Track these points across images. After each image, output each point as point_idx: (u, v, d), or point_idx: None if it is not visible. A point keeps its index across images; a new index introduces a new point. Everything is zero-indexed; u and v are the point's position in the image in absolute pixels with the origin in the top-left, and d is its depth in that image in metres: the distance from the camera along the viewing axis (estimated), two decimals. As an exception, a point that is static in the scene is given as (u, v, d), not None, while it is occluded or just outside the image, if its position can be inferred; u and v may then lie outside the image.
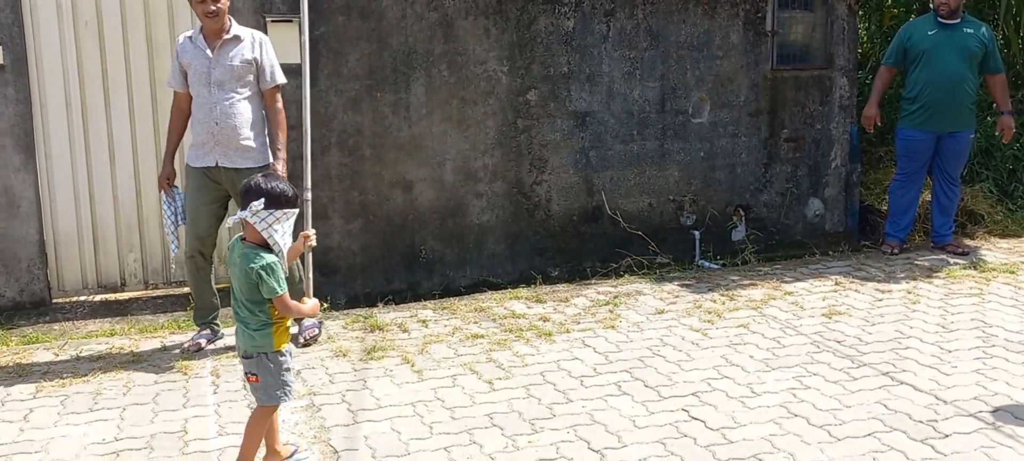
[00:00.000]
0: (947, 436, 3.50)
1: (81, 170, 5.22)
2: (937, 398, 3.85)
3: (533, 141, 5.82)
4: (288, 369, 3.17)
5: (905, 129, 6.21)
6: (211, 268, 4.60)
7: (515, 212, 5.85)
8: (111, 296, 5.39)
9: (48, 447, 3.50)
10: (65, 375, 4.20)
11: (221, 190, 4.46)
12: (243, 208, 3.05)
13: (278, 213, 3.04)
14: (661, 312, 5.06)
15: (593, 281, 5.79)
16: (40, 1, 5.01)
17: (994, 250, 6.30)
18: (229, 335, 4.67)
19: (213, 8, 4.23)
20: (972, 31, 6.06)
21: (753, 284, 5.60)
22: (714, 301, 5.25)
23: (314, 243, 3.44)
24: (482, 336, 4.68)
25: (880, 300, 5.23)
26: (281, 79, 4.49)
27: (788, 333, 4.69)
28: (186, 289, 5.20)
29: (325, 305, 5.18)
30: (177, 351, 4.50)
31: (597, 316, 4.99)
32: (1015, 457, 3.32)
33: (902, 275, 5.75)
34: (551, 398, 3.89)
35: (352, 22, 5.35)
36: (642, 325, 4.84)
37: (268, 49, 4.43)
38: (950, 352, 4.38)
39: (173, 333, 4.78)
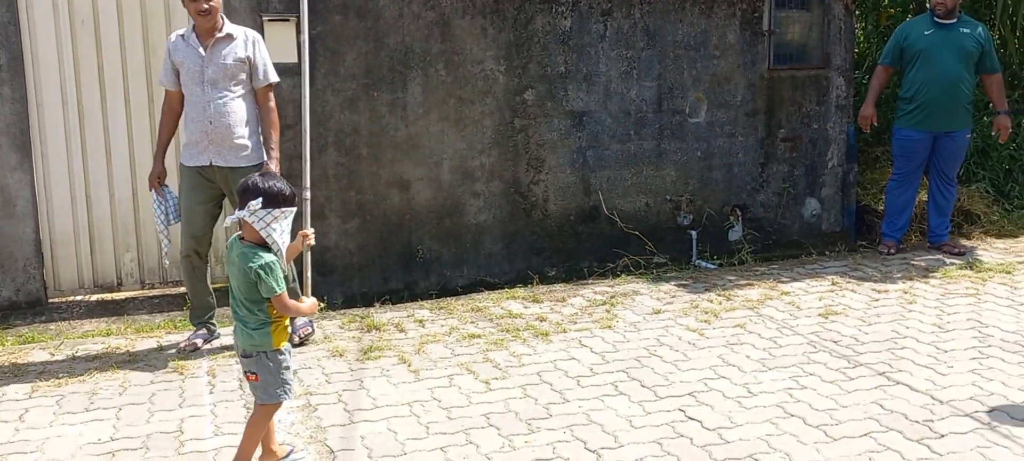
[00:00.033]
0: (943, 436, 3.50)
1: (77, 169, 5.21)
2: (933, 398, 3.85)
3: (530, 141, 5.82)
4: (287, 368, 3.18)
5: (902, 129, 6.22)
6: (207, 267, 4.60)
7: (512, 212, 5.85)
8: (107, 296, 5.37)
9: (44, 447, 3.50)
10: (61, 375, 4.19)
11: (215, 189, 4.46)
12: (241, 207, 3.05)
13: (276, 212, 3.04)
14: (658, 312, 5.06)
15: (590, 281, 5.79)
16: None
17: (990, 250, 6.31)
18: (225, 335, 4.66)
19: (205, 6, 4.23)
20: (968, 31, 6.07)
21: (750, 284, 5.60)
22: (711, 301, 5.25)
23: (312, 242, 3.44)
24: (479, 336, 4.67)
25: (876, 300, 5.24)
26: (274, 78, 4.49)
27: (785, 333, 4.69)
28: (182, 289, 5.19)
29: (322, 305, 5.18)
30: (173, 351, 4.49)
31: (594, 316, 4.99)
32: (1011, 457, 3.32)
33: (898, 275, 5.76)
34: (548, 398, 3.89)
35: (349, 21, 5.34)
36: (639, 325, 4.84)
37: (261, 47, 4.43)
38: (946, 352, 4.39)
39: (169, 333, 4.77)
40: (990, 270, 5.77)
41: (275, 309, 3.10)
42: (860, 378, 4.08)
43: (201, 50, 4.31)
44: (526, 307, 5.19)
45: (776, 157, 6.47)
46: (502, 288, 5.63)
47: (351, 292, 5.52)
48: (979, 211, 6.80)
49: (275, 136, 4.47)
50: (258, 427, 3.18)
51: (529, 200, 5.88)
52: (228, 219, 3.15)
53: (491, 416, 3.71)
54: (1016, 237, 6.61)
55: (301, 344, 4.53)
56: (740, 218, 6.44)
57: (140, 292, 5.43)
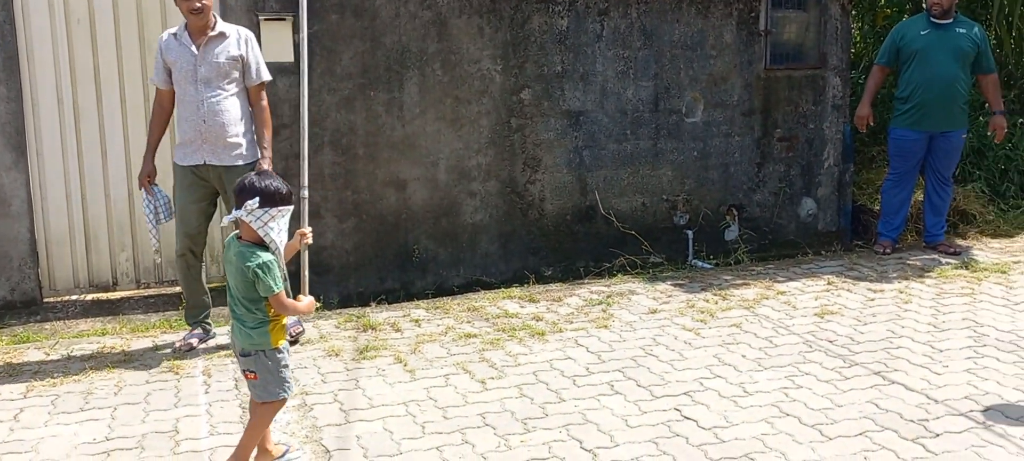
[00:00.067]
0: (938, 435, 3.51)
1: (73, 169, 5.20)
2: (928, 397, 3.86)
3: (527, 140, 5.82)
4: (286, 366, 3.18)
5: (898, 129, 6.23)
6: (202, 266, 4.59)
7: (508, 211, 5.85)
8: (103, 295, 5.37)
9: (38, 447, 3.49)
10: (56, 374, 4.18)
11: (209, 188, 4.46)
12: (237, 207, 3.05)
13: (273, 211, 3.04)
14: (654, 311, 5.06)
15: (586, 280, 5.80)
16: (31, -1, 5.00)
17: (986, 250, 6.32)
18: (221, 334, 4.66)
19: (198, 5, 4.22)
20: (965, 31, 6.08)
21: (746, 284, 5.61)
22: (707, 301, 5.25)
23: (310, 241, 3.44)
24: (475, 335, 4.67)
25: (872, 300, 5.24)
26: (267, 76, 4.49)
27: (780, 333, 4.70)
28: (178, 288, 5.19)
29: (318, 304, 5.17)
30: (169, 350, 4.49)
31: (590, 315, 4.99)
32: (1006, 456, 3.33)
33: (894, 275, 5.77)
34: (544, 397, 3.89)
35: (346, 20, 5.34)
36: (635, 324, 4.84)
37: (253, 46, 4.43)
38: (941, 352, 4.39)
39: (165, 332, 4.77)
40: (985, 270, 5.78)
41: (273, 308, 3.10)
42: (856, 377, 4.09)
43: (193, 49, 4.31)
44: (522, 307, 5.18)
45: (772, 157, 6.48)
46: (498, 288, 5.63)
47: (347, 292, 5.52)
48: (975, 211, 6.81)
49: (267, 135, 4.47)
50: (260, 425, 3.18)
51: (525, 200, 5.88)
52: (225, 219, 3.15)
53: (487, 416, 3.71)
54: (1012, 237, 6.63)
55: (294, 342, 4.53)
56: (736, 218, 6.44)
57: (135, 292, 5.42)
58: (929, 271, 5.81)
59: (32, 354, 4.46)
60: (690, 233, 6.30)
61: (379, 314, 5.08)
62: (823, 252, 6.45)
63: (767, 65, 6.33)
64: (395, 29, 5.43)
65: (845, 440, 3.47)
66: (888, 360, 4.28)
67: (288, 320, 4.53)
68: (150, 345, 4.58)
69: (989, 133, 6.55)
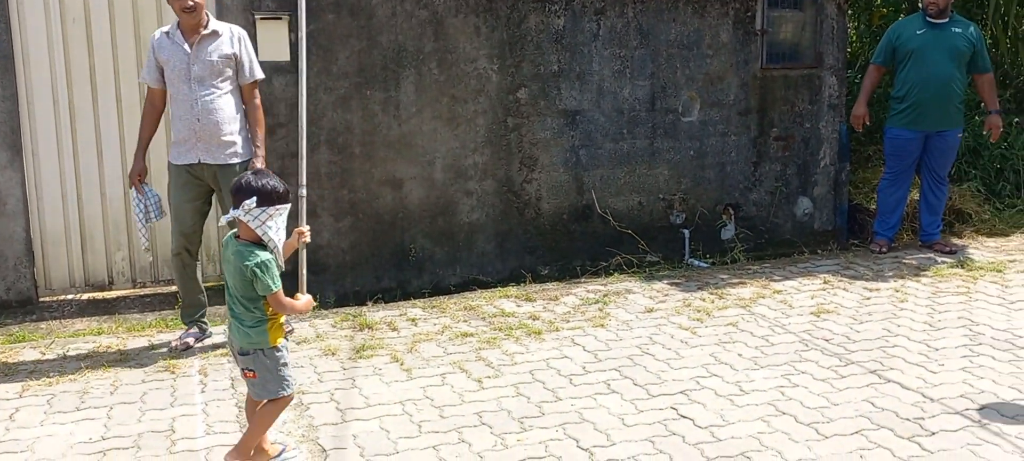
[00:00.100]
0: (934, 434, 3.51)
1: (68, 168, 5.19)
2: (924, 396, 3.86)
3: (523, 139, 5.82)
4: (285, 364, 3.19)
5: (893, 128, 6.24)
6: (197, 265, 4.59)
7: (505, 210, 5.85)
8: (98, 295, 5.36)
9: (34, 447, 3.48)
10: (52, 374, 4.17)
11: (204, 186, 4.45)
12: (235, 206, 3.06)
13: (271, 210, 3.05)
14: (650, 310, 5.06)
15: (583, 280, 5.80)
16: (27, -3, 4.99)
17: (981, 249, 6.34)
18: (217, 334, 4.65)
19: (190, 3, 4.22)
20: (960, 31, 6.09)
21: (742, 283, 5.61)
22: (703, 300, 5.26)
23: (308, 239, 3.44)
24: (472, 334, 4.67)
25: (868, 298, 5.25)
26: (260, 74, 4.49)
27: (777, 331, 4.70)
28: (174, 288, 5.18)
29: (315, 303, 5.16)
30: (165, 350, 4.48)
31: (587, 314, 4.99)
32: (1001, 454, 3.34)
33: (890, 274, 5.78)
34: (540, 396, 3.89)
35: (342, 19, 5.33)
36: (631, 323, 4.84)
37: (246, 44, 4.43)
38: (937, 350, 4.40)
39: (161, 332, 4.76)
40: (981, 269, 5.79)
41: (271, 307, 3.10)
42: (851, 376, 4.09)
43: (186, 47, 4.30)
44: (519, 306, 5.19)
45: (769, 156, 6.49)
46: (495, 287, 5.63)
47: (344, 291, 5.51)
48: (970, 210, 6.83)
49: (261, 133, 4.48)
50: (265, 422, 3.19)
51: (522, 199, 5.88)
52: (223, 218, 3.16)
53: (484, 415, 3.71)
54: (1007, 236, 6.64)
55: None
56: (733, 217, 6.45)
57: (131, 291, 5.42)
58: (925, 270, 5.82)
59: (28, 353, 4.45)
60: (686, 232, 6.31)
61: (375, 313, 5.08)
62: (819, 251, 6.46)
63: (763, 64, 6.34)
64: (391, 28, 5.43)
65: (841, 438, 3.48)
66: (884, 359, 4.29)
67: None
68: (146, 344, 4.57)
69: (985, 132, 6.56)
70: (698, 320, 4.88)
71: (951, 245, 6.32)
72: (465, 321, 4.91)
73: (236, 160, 4.40)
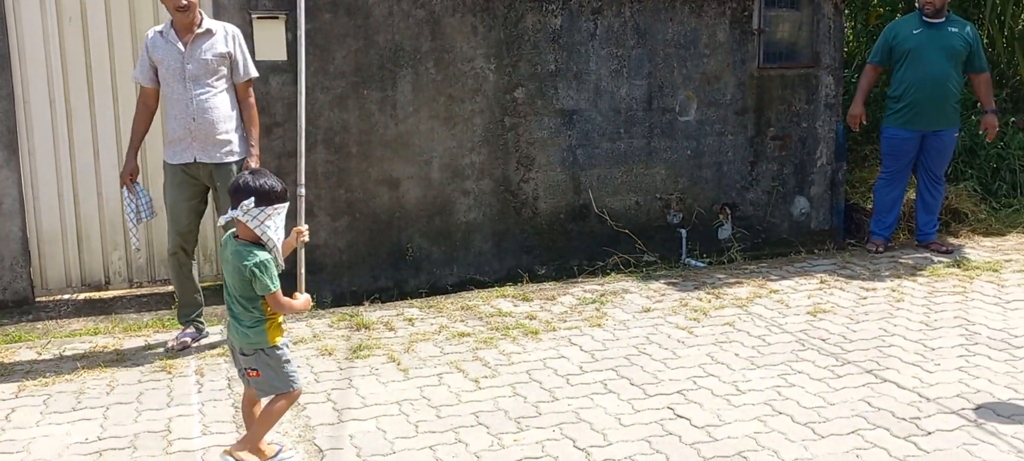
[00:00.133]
0: (930, 433, 3.52)
1: (65, 167, 5.18)
2: (920, 395, 3.87)
3: (520, 139, 5.82)
4: (288, 360, 3.20)
5: (890, 128, 6.25)
6: (193, 264, 4.58)
7: (502, 210, 5.85)
8: (95, 294, 5.35)
9: (30, 447, 3.48)
10: (48, 374, 4.17)
11: (200, 185, 4.45)
12: (233, 207, 3.06)
13: (269, 209, 3.06)
14: (647, 310, 5.07)
15: (580, 279, 5.80)
16: (23, -3, 4.98)
17: (978, 248, 6.35)
18: (214, 334, 4.65)
19: (184, 2, 4.22)
20: (957, 30, 6.10)
21: (739, 282, 5.62)
22: (700, 299, 5.26)
23: (307, 238, 3.44)
24: (468, 334, 4.67)
25: (865, 298, 5.26)
26: (254, 73, 4.49)
27: (773, 331, 4.71)
28: (170, 287, 5.17)
29: (312, 303, 5.16)
30: (161, 350, 4.47)
31: (583, 314, 4.99)
32: (997, 454, 3.34)
33: (887, 273, 5.78)
34: (537, 396, 3.89)
35: (339, 19, 5.33)
36: (628, 323, 4.84)
37: (241, 42, 4.43)
38: (933, 350, 4.41)
39: (157, 332, 4.75)
40: (977, 268, 5.80)
41: (269, 307, 3.11)
42: (848, 376, 4.10)
43: (180, 46, 4.30)
44: (516, 305, 5.19)
45: (765, 156, 6.49)
46: (492, 286, 5.63)
47: (340, 291, 5.51)
48: (967, 209, 6.84)
49: (255, 132, 4.48)
50: (274, 417, 3.20)
51: (519, 198, 5.88)
52: (222, 218, 3.16)
53: (480, 414, 3.71)
54: (1003, 235, 6.65)
55: None
56: (729, 216, 6.45)
57: (128, 291, 5.41)
58: (921, 270, 5.83)
59: (24, 353, 4.45)
60: (683, 232, 6.31)
61: (372, 313, 5.07)
62: (816, 251, 6.47)
63: (760, 64, 6.34)
64: (388, 27, 5.42)
65: (838, 438, 3.48)
66: (880, 358, 4.30)
67: None
68: (143, 344, 4.57)
69: (981, 132, 6.57)
70: (695, 320, 4.88)
71: (947, 245, 6.33)
72: (462, 321, 4.91)
73: (232, 159, 4.39)
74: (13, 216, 5.04)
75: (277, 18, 5.17)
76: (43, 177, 5.15)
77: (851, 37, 8.32)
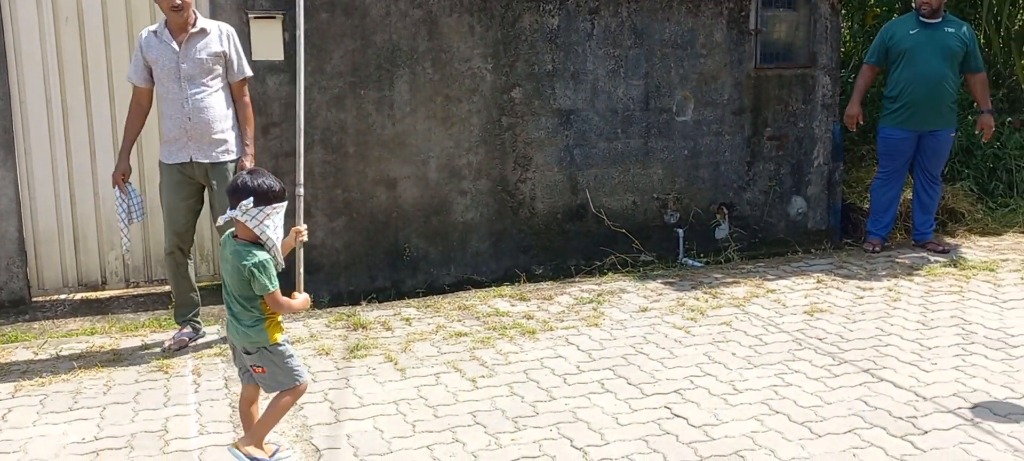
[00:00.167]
0: (926, 432, 3.52)
1: (61, 167, 5.17)
2: (917, 395, 3.88)
3: (517, 139, 5.82)
4: (291, 356, 3.21)
5: (886, 128, 6.26)
6: (190, 264, 4.58)
7: (499, 210, 5.85)
8: (92, 294, 5.34)
9: (27, 447, 3.47)
10: (44, 374, 4.16)
11: (196, 185, 4.45)
12: (232, 207, 3.07)
13: (268, 209, 3.06)
14: (645, 310, 5.07)
15: (577, 279, 5.80)
16: (19, -4, 4.97)
17: (974, 248, 6.36)
18: (211, 333, 4.64)
19: (178, 2, 4.22)
20: (953, 30, 6.11)
21: (736, 282, 5.62)
22: (697, 299, 5.26)
23: (305, 238, 3.44)
24: (466, 334, 4.67)
25: (861, 298, 5.27)
26: (248, 72, 4.49)
27: (770, 331, 4.71)
28: (167, 287, 5.17)
29: (310, 302, 5.16)
30: (158, 349, 4.47)
31: (581, 314, 5.00)
32: (993, 453, 3.35)
33: (883, 273, 5.79)
34: (534, 396, 3.89)
35: (336, 19, 5.32)
36: (626, 323, 4.85)
37: (235, 41, 4.43)
38: (930, 349, 4.42)
39: (154, 331, 4.75)
40: (974, 268, 5.81)
41: (268, 306, 3.11)
42: (845, 375, 4.10)
43: (175, 46, 4.29)
44: (513, 305, 5.19)
45: (762, 155, 6.50)
46: (489, 286, 5.63)
47: (338, 290, 5.51)
48: (963, 209, 6.85)
49: (250, 131, 4.48)
50: (281, 410, 3.21)
51: (516, 198, 5.88)
52: (220, 219, 3.17)
53: (478, 414, 3.71)
54: (999, 235, 6.66)
55: None
56: (727, 216, 6.46)
57: (124, 290, 5.40)
58: (918, 269, 5.84)
59: (20, 353, 4.44)
60: (681, 231, 6.32)
61: (369, 313, 5.07)
62: (813, 250, 6.47)
63: (757, 64, 6.35)
64: (385, 27, 5.42)
65: (834, 437, 3.49)
66: (877, 358, 4.30)
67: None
68: (139, 344, 4.56)
69: (977, 132, 6.58)
70: (692, 319, 4.89)
71: (944, 244, 6.34)
72: (459, 320, 4.91)
73: (228, 158, 4.39)
74: (9, 216, 5.03)
75: (274, 18, 5.16)
76: (39, 177, 5.14)
77: (848, 37, 8.33)
